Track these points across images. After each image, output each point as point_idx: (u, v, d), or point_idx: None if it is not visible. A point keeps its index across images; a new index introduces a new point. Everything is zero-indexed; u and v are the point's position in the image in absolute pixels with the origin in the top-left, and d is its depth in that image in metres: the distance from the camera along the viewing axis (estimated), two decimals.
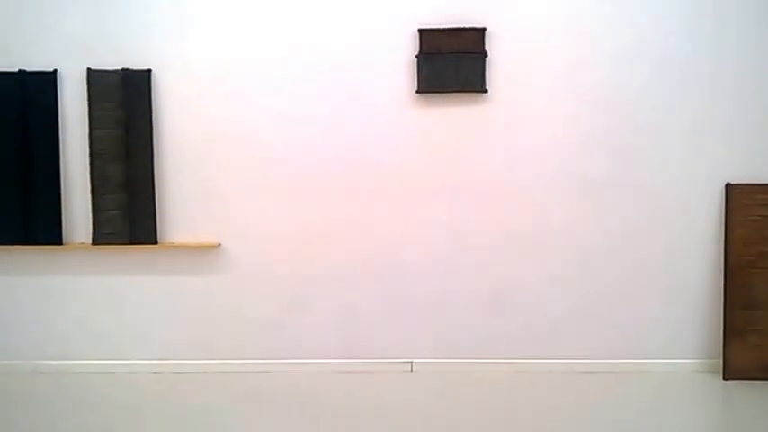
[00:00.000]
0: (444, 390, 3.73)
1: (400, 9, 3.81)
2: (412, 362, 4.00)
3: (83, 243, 3.95)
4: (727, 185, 3.81)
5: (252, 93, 3.89)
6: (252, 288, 3.99)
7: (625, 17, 3.79)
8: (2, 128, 3.87)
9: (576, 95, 3.82)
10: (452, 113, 3.85)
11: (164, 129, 3.92)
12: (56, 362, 4.02)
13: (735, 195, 3.79)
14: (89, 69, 3.85)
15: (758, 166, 3.81)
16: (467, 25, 3.76)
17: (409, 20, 3.79)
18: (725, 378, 3.79)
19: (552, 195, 3.88)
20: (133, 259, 3.99)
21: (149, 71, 3.86)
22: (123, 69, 3.85)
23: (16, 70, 3.86)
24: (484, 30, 3.77)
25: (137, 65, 3.86)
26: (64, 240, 3.94)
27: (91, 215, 3.91)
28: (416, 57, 3.80)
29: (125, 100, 3.86)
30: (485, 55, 3.78)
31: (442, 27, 3.76)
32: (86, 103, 3.87)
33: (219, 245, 3.96)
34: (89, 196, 3.91)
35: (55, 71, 3.88)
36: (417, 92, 3.81)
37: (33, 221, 3.91)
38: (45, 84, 3.86)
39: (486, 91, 3.80)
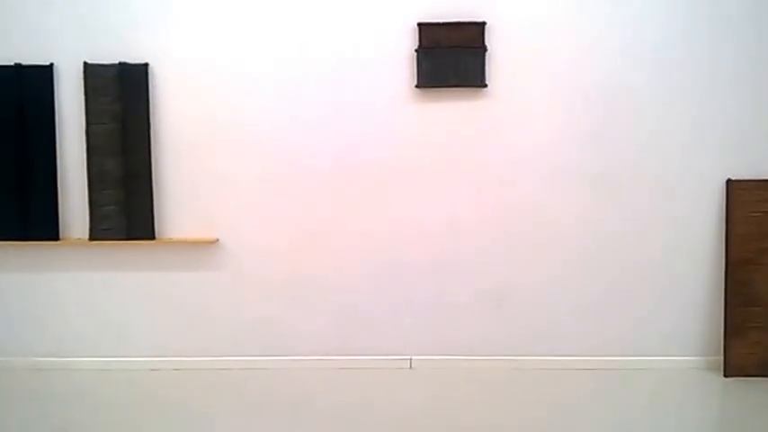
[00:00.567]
0: (443, 387, 3.71)
1: (400, 2, 3.78)
2: (411, 359, 3.98)
3: (79, 239, 3.93)
4: (728, 181, 3.80)
5: (251, 87, 3.87)
6: (250, 284, 3.97)
7: (626, 13, 3.76)
8: None
9: (576, 91, 3.80)
10: (452, 108, 3.83)
11: (161, 123, 3.89)
12: (52, 359, 4.00)
13: (735, 191, 3.78)
14: (86, 63, 3.82)
15: (759, 161, 3.79)
16: (467, 19, 3.73)
17: (409, 13, 3.77)
18: (725, 375, 3.78)
19: (552, 191, 3.86)
20: (130, 255, 3.96)
21: (146, 65, 3.83)
22: (120, 63, 3.82)
23: (12, 64, 3.82)
24: (484, 24, 3.74)
25: (134, 59, 3.83)
26: (60, 236, 3.91)
27: (88, 210, 3.88)
28: (416, 51, 3.77)
29: (122, 94, 3.83)
30: (485, 49, 3.75)
31: (441, 21, 3.74)
32: (83, 97, 3.84)
33: (218, 241, 3.94)
34: (86, 191, 3.88)
35: (51, 65, 3.85)
36: (417, 86, 3.79)
37: (29, 217, 3.88)
38: (41, 78, 3.83)
39: (485, 86, 3.78)
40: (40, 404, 3.53)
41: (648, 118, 3.80)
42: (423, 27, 3.75)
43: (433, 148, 3.86)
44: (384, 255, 3.92)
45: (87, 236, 3.89)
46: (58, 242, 3.90)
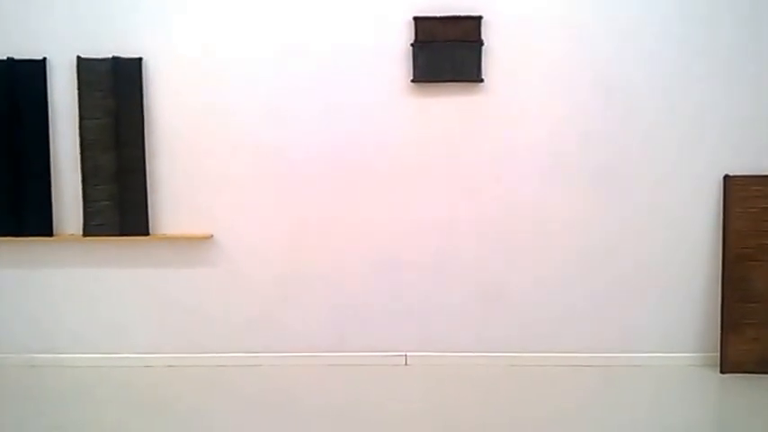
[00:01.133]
0: (438, 383, 3.69)
1: None
2: (406, 355, 3.96)
3: (73, 234, 3.90)
4: (726, 177, 3.78)
5: (245, 82, 3.84)
6: (245, 281, 3.94)
7: (623, 8, 3.74)
8: None
9: (573, 86, 3.78)
10: (448, 103, 3.80)
11: (155, 118, 3.87)
12: (45, 355, 3.98)
13: (733, 187, 3.76)
14: (79, 57, 3.79)
15: (756, 157, 3.77)
16: (463, 13, 3.71)
17: (405, 7, 3.74)
18: (722, 372, 3.76)
19: (548, 186, 3.83)
20: (124, 251, 3.94)
21: (140, 59, 3.80)
22: (114, 57, 3.79)
23: (5, 58, 3.79)
24: (480, 18, 3.72)
25: (127, 53, 3.80)
26: (54, 232, 3.89)
27: (81, 206, 3.86)
28: (412, 45, 3.75)
29: (116, 89, 3.80)
30: (481, 44, 3.73)
31: (437, 15, 3.71)
32: (76, 91, 3.81)
33: (212, 236, 3.92)
34: (79, 187, 3.85)
35: (44, 59, 3.82)
36: (413, 81, 3.76)
37: (23, 213, 3.86)
38: (34, 72, 3.81)
39: (482, 80, 3.75)
40: (34, 401, 3.50)
41: (645, 113, 3.78)
42: (418, 21, 3.72)
43: (428, 144, 3.84)
44: (379, 251, 3.90)
45: (81, 231, 3.87)
46: (52, 238, 3.87)
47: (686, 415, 3.31)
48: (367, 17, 3.78)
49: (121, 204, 3.85)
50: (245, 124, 3.86)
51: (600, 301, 3.89)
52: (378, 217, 3.88)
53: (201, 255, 3.93)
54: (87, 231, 3.86)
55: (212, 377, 3.79)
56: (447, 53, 3.72)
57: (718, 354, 3.80)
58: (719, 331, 3.80)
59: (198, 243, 3.92)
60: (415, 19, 3.73)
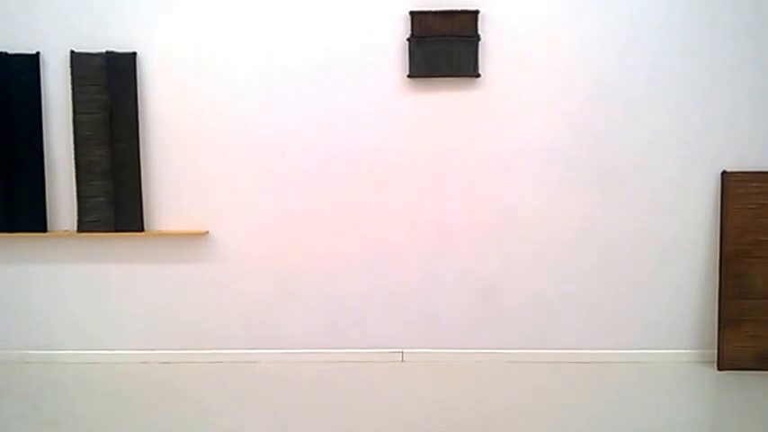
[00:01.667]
0: (435, 379, 3.68)
1: None
2: (402, 351, 3.95)
3: (67, 231, 3.88)
4: (723, 173, 3.76)
5: (240, 77, 3.81)
6: (241, 277, 3.92)
7: (623, 3, 3.71)
8: None
9: (570, 81, 3.75)
10: (444, 98, 3.78)
11: (150, 113, 3.84)
12: (41, 352, 3.96)
13: (731, 183, 3.74)
14: (72, 52, 3.76)
15: (754, 154, 3.75)
16: (460, 7, 3.68)
17: (400, 1, 3.71)
18: (719, 368, 3.75)
19: (545, 182, 3.81)
20: (119, 247, 3.91)
21: (134, 54, 3.77)
22: (107, 52, 3.76)
23: None
24: (477, 12, 3.69)
25: (121, 47, 3.77)
26: (48, 228, 3.86)
27: (76, 202, 3.83)
28: (408, 40, 3.72)
29: (110, 84, 3.77)
30: (478, 38, 3.70)
31: (434, 9, 3.68)
32: (70, 86, 3.78)
33: (208, 233, 3.89)
34: (73, 183, 3.83)
35: (37, 54, 3.78)
36: (409, 76, 3.74)
37: (17, 209, 3.83)
38: (27, 66, 3.77)
39: (478, 75, 3.73)
40: (28, 397, 3.48)
41: (643, 108, 3.76)
42: (415, 15, 3.70)
43: (425, 139, 3.81)
44: (375, 247, 3.88)
45: (75, 228, 3.85)
46: (46, 234, 3.85)
47: (683, 411, 3.30)
48: (362, 12, 3.75)
49: (116, 200, 3.83)
50: (240, 119, 3.83)
51: (596, 297, 3.88)
52: (374, 213, 3.86)
53: (197, 251, 3.91)
54: (82, 228, 3.83)
55: (208, 373, 3.78)
56: (443, 48, 3.69)
57: (716, 350, 3.79)
58: (717, 328, 3.79)
59: (193, 239, 3.90)
60: (411, 13, 3.70)
